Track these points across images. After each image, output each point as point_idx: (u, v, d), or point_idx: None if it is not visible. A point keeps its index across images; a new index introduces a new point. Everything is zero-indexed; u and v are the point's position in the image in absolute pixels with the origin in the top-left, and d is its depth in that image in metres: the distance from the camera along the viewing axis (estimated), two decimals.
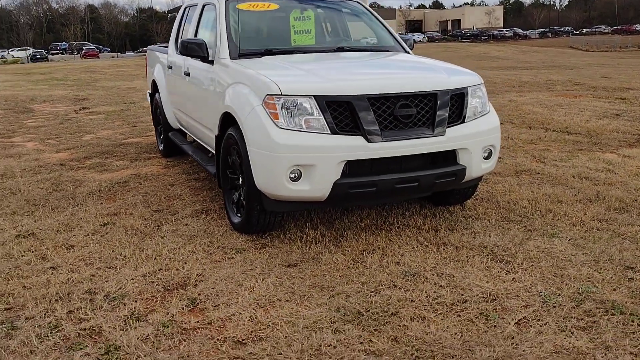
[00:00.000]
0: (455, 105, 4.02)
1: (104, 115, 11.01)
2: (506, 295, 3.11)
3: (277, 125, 3.68)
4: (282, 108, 3.68)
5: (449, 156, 3.99)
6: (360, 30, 5.52)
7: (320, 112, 3.66)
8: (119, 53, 78.02)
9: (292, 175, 3.65)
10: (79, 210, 4.83)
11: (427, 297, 3.11)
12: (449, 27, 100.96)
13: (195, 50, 4.69)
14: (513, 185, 5.25)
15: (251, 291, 3.22)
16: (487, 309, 2.96)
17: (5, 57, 61.21)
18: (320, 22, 5.31)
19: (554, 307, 2.98)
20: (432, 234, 4.06)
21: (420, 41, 74.24)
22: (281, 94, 3.68)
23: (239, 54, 4.59)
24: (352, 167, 3.72)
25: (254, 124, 3.77)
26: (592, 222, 4.22)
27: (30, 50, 65.56)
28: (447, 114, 3.91)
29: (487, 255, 3.66)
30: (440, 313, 2.94)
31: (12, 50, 66.66)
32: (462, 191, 4.60)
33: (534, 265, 3.49)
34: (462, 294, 3.13)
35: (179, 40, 5.56)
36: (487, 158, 4.21)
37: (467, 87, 4.10)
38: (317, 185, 3.66)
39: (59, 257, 3.78)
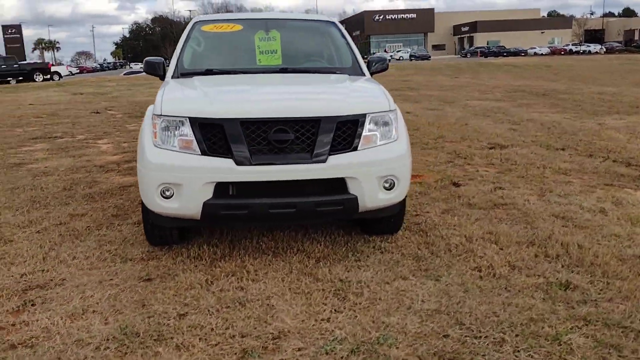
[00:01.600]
0: (345, 132, 3.86)
1: None
2: (292, 335, 2.97)
3: (154, 144, 3.86)
4: (160, 128, 3.85)
5: (336, 184, 3.85)
6: (327, 50, 5.46)
7: (192, 133, 3.76)
8: None
9: (164, 193, 3.79)
10: (52, 210, 5.40)
11: (211, 328, 3.07)
12: (636, 37, 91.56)
13: (154, 68, 5.01)
14: (470, 219, 4.84)
15: (82, 299, 3.43)
16: (253, 346, 2.86)
17: None
18: (287, 42, 5.33)
19: (326, 354, 2.79)
20: (307, 263, 3.94)
21: (597, 52, 68.53)
22: (161, 114, 3.85)
23: (181, 73, 4.83)
24: (223, 189, 3.76)
25: (141, 142, 3.99)
26: (500, 269, 3.78)
27: None
28: (329, 141, 3.78)
29: (334, 291, 3.48)
30: (210, 344, 2.90)
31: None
32: (385, 221, 4.38)
33: (364, 309, 3.26)
34: (257, 328, 3.05)
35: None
36: (389, 189, 3.98)
37: (364, 114, 3.92)
38: (187, 204, 3.77)
39: None
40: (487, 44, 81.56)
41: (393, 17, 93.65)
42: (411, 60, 68.83)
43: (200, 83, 4.48)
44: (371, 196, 3.91)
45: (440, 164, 7.14)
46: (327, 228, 4.60)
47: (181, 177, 3.75)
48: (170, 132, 3.83)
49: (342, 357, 2.76)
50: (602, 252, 4.02)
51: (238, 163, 3.70)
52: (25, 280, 3.74)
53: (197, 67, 4.92)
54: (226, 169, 3.71)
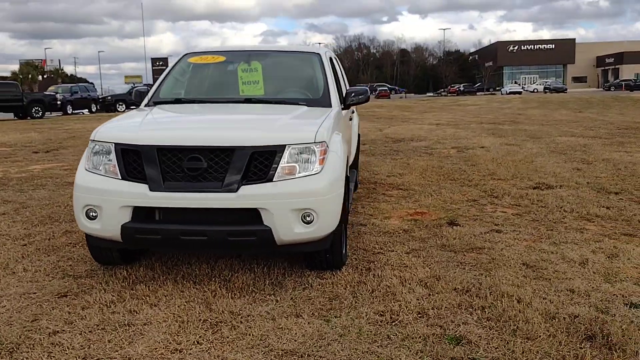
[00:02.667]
0: (261, 162, 3.84)
1: None
2: None
3: (85, 168, 4.11)
4: (91, 152, 4.09)
5: (249, 215, 3.83)
6: (302, 81, 5.45)
7: (115, 159, 3.96)
8: (412, 94, 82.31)
9: (88, 214, 4.00)
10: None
11: (67, 347, 3.16)
12: None
13: (140, 97, 5.33)
14: (428, 261, 4.54)
15: None
16: None
17: None
18: (268, 73, 5.41)
19: None
20: (218, 292, 3.91)
21: None
22: (94, 140, 4.10)
23: (154, 101, 5.09)
24: (138, 214, 3.89)
25: (79, 165, 4.25)
26: (405, 316, 3.52)
27: None
28: (241, 171, 3.78)
29: (215, 322, 3.45)
30: None
31: None
32: (318, 256, 4.26)
33: (224, 344, 3.18)
34: (106, 352, 3.10)
35: None
36: (307, 223, 3.87)
37: (283, 145, 3.87)
38: (106, 226, 3.95)
39: None
40: (635, 77, 75.42)
41: (529, 48, 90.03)
42: (545, 92, 65.64)
43: (154, 112, 4.69)
44: (286, 229, 3.83)
45: (461, 202, 6.75)
46: (271, 260, 4.55)
47: (101, 200, 3.94)
48: (100, 157, 4.05)
49: None
50: (536, 307, 3.59)
51: (151, 189, 3.82)
52: None
53: (169, 96, 5.16)
54: (141, 194, 3.84)
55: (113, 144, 3.99)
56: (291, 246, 4.02)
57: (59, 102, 30.21)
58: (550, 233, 5.35)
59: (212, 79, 5.60)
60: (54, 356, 3.05)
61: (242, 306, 3.68)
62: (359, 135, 7.78)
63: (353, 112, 6.86)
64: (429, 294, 3.86)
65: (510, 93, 64.92)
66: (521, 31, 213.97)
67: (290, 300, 3.79)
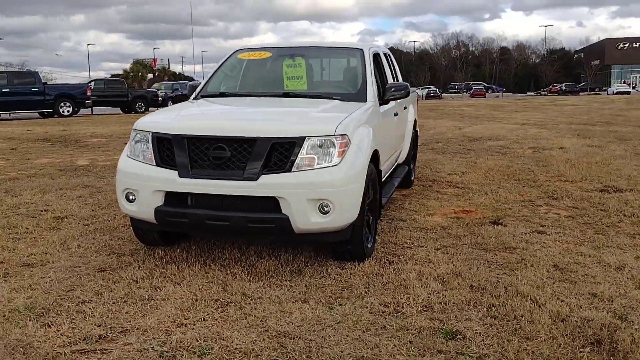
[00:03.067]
0: (281, 153, 4.00)
1: None
2: (137, 332, 3.24)
3: (127, 154, 4.45)
4: (133, 140, 4.43)
5: (269, 203, 4.01)
6: (342, 76, 5.54)
7: (152, 147, 4.27)
8: (509, 93, 79.37)
9: (128, 197, 4.35)
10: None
11: (86, 316, 3.48)
12: None
13: (190, 90, 5.66)
14: (454, 257, 4.51)
15: (41, 279, 4.10)
16: (98, 334, 3.20)
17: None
18: (311, 68, 5.55)
19: (140, 351, 3.01)
20: (239, 275, 4.11)
21: None
22: (135, 129, 4.44)
23: (202, 95, 5.40)
24: (170, 198, 4.18)
25: (122, 152, 4.61)
26: (409, 308, 3.55)
27: (431, 87, 72.90)
28: (262, 160, 3.96)
29: (225, 302, 3.65)
30: (71, 326, 3.32)
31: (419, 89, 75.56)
32: (340, 247, 4.37)
33: (224, 322, 3.37)
34: (120, 320, 3.38)
35: None
36: (324, 213, 4.00)
37: (303, 137, 4.01)
38: (142, 208, 4.28)
39: None
40: None
41: None
42: None
43: (195, 104, 4.97)
44: (303, 218, 3.97)
45: (515, 202, 6.57)
46: (299, 249, 4.70)
47: (138, 184, 4.26)
48: (140, 145, 4.37)
49: (149, 357, 2.96)
50: (549, 309, 3.49)
51: (180, 175, 4.09)
52: (27, 257, 4.56)
53: (215, 90, 5.43)
54: (171, 180, 4.12)
55: (150, 133, 4.29)
56: (310, 235, 4.16)
57: (160, 98, 31.94)
58: (597, 237, 5.12)
59: (258, 74, 5.83)
60: (74, 322, 3.36)
61: (255, 289, 3.86)
62: (415, 131, 7.74)
63: (405, 107, 6.85)
64: (442, 290, 3.85)
65: (617, 93, 61.04)
66: (637, 27, 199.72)
67: (303, 287, 3.91)
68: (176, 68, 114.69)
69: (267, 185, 3.96)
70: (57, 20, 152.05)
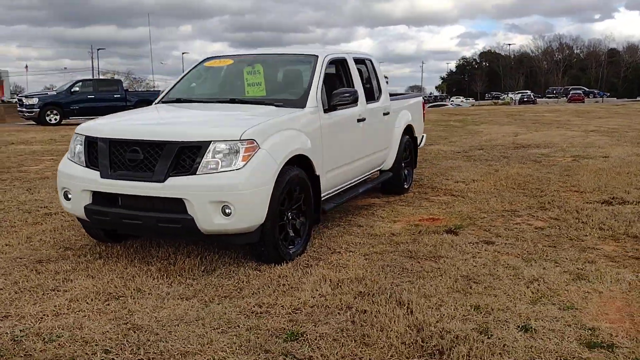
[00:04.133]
0: (188, 156, 4.21)
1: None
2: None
3: (67, 157, 4.84)
4: (72, 143, 4.82)
5: (176, 204, 4.23)
6: (289, 82, 5.63)
7: (84, 149, 4.63)
8: (613, 98, 74.65)
9: (65, 195, 4.73)
10: None
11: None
12: None
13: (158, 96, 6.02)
14: (372, 262, 4.50)
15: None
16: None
17: (503, 99, 68.35)
18: (269, 75, 5.70)
19: None
20: (146, 273, 4.35)
21: None
22: (76, 132, 4.82)
23: (162, 100, 5.73)
24: (96, 197, 4.51)
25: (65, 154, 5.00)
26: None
27: (527, 92, 70.21)
28: (169, 163, 4.19)
29: (111, 296, 3.89)
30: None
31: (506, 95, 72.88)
32: (254, 248, 4.50)
33: (111, 312, 3.61)
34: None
35: None
36: (227, 215, 4.16)
37: (208, 142, 4.21)
38: (75, 206, 4.65)
39: None
40: None
41: None
42: None
43: (146, 110, 5.30)
44: (206, 219, 4.15)
45: (495, 212, 6.36)
46: (234, 251, 4.86)
47: (71, 184, 4.63)
48: (77, 147, 4.74)
49: (3, 341, 3.26)
50: (415, 317, 3.46)
51: (101, 176, 4.40)
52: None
53: (172, 97, 5.73)
54: (93, 180, 4.45)
55: (84, 137, 4.64)
56: (219, 236, 4.32)
57: None
58: (545, 249, 4.90)
59: (216, 81, 6.08)
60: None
61: (153, 286, 4.08)
62: (410, 137, 7.64)
63: (386, 113, 6.81)
64: (328, 294, 3.89)
65: None
66: None
67: (201, 285, 4.09)
68: None
69: (173, 187, 4.17)
70: (166, 31, 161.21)
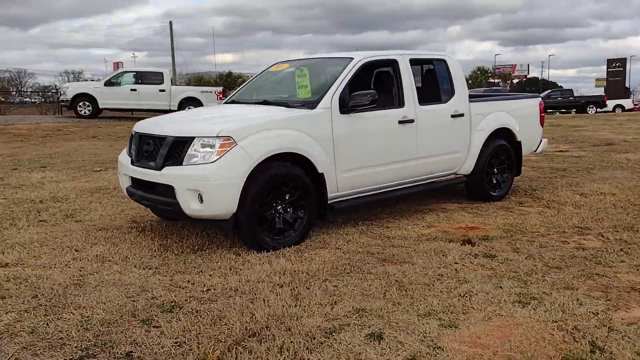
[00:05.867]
0: (179, 149, 4.92)
1: None
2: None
3: (125, 150, 5.92)
4: (129, 137, 5.90)
5: (168, 189, 4.98)
6: (316, 85, 5.84)
7: (129, 140, 5.67)
8: None
9: (122, 178, 5.82)
10: None
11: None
12: None
13: None
14: (337, 258, 4.65)
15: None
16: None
17: None
18: (312, 77, 6.05)
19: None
20: (159, 245, 5.16)
21: None
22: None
23: (225, 102, 6.53)
24: (133, 180, 5.49)
25: None
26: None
27: None
28: (165, 155, 4.97)
29: (106, 261, 4.79)
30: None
31: None
32: (237, 233, 5.01)
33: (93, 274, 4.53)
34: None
35: None
36: (201, 202, 4.78)
37: (193, 137, 4.87)
38: (123, 186, 5.71)
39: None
40: None
41: None
42: None
43: (198, 109, 6.13)
44: (186, 204, 4.82)
45: (558, 229, 5.74)
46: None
47: (120, 169, 5.70)
48: (129, 141, 5.78)
49: None
50: (265, 312, 3.62)
51: (131, 163, 5.37)
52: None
53: (233, 98, 6.46)
54: (127, 166, 5.44)
55: (133, 132, 5.66)
56: (202, 220, 4.94)
57: None
58: (546, 270, 4.39)
59: (265, 84, 6.60)
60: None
61: (143, 258, 4.75)
62: (510, 142, 7.22)
63: (461, 115, 6.56)
64: (259, 280, 4.19)
65: None
66: None
67: (170, 261, 4.69)
68: (536, 72, 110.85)
69: (166, 175, 4.92)
70: (434, 33, 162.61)
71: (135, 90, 21.04)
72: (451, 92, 6.61)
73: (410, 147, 6.11)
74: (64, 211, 6.61)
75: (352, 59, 5.82)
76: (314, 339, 3.21)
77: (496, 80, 76.96)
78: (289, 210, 5.14)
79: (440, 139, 6.43)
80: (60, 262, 4.69)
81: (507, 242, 5.19)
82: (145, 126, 5.48)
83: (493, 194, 7.11)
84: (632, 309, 3.66)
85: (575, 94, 42.94)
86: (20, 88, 57.91)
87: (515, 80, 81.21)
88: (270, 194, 4.95)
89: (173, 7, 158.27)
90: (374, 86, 6.14)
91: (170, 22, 47.00)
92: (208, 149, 4.77)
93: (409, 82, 6.10)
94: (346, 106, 5.45)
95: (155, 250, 5.04)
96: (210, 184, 4.69)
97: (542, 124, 7.93)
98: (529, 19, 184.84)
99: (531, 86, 75.89)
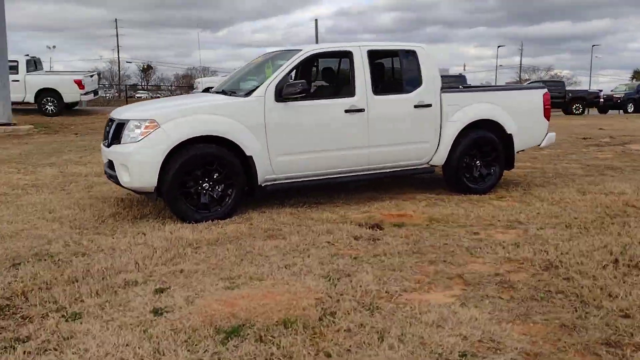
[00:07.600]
0: (121, 131, 5.78)
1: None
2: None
3: None
4: None
5: (111, 164, 5.89)
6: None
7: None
8: None
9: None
10: None
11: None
12: None
13: None
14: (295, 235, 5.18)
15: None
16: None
17: None
18: (273, 69, 6.51)
19: None
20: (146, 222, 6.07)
21: None
22: None
23: (213, 90, 7.30)
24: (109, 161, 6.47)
25: None
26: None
27: None
28: (113, 135, 5.88)
29: (104, 231, 5.79)
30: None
31: None
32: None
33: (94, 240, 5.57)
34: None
35: None
36: (129, 175, 5.61)
37: (128, 120, 5.71)
38: (104, 168, 6.72)
39: None
40: None
41: None
42: None
43: (180, 97, 6.94)
44: (121, 177, 5.71)
45: (500, 222, 5.68)
46: None
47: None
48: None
49: None
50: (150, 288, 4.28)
51: (105, 145, 6.35)
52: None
53: (222, 87, 7.15)
54: (103, 149, 6.42)
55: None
56: (135, 191, 5.76)
57: (601, 100, 29.99)
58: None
59: (245, 75, 7.13)
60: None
61: (128, 229, 5.44)
62: (497, 134, 7.11)
63: (428, 105, 6.63)
64: (138, 243, 4.88)
65: None
66: None
67: (131, 229, 5.48)
68: None
69: (111, 152, 5.83)
70: (625, 22, 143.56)
71: None
72: (418, 83, 6.68)
73: (359, 136, 6.34)
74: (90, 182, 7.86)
75: (300, 50, 6.22)
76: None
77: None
78: (217, 187, 5.73)
79: (399, 129, 6.54)
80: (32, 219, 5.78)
81: (417, 230, 5.27)
82: (113, 112, 6.41)
83: (471, 186, 7.00)
84: (432, 292, 3.76)
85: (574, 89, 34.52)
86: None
87: None
88: (193, 172, 5.58)
89: (346, 5, 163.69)
90: (323, 77, 6.45)
91: (316, 20, 48.89)
92: (137, 130, 5.56)
93: (362, 73, 6.33)
94: (281, 95, 5.88)
95: (103, 217, 5.94)
96: (133, 160, 5.51)
97: (547, 117, 7.56)
98: None
99: None
